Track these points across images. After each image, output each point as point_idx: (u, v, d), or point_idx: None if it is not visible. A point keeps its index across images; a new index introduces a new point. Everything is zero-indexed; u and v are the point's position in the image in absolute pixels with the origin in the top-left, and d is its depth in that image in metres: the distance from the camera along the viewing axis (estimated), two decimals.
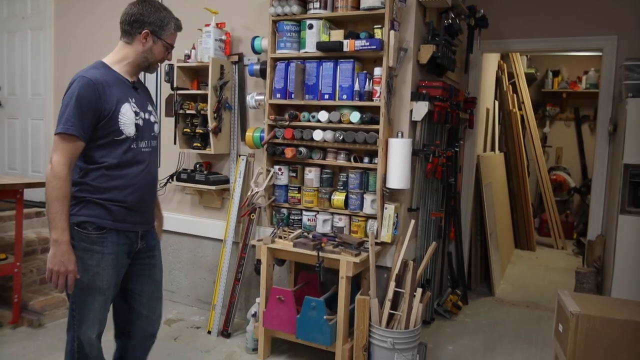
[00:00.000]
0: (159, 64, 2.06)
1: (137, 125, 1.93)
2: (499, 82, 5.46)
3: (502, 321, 3.67)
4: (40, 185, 3.22)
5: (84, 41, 4.11)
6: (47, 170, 1.81)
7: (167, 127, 3.58)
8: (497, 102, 5.43)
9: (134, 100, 1.95)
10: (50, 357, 2.85)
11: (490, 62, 4.87)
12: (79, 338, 1.93)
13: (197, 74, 3.43)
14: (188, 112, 3.32)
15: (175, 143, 3.38)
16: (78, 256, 1.84)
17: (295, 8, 2.93)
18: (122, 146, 1.90)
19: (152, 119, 2.05)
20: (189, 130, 3.36)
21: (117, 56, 1.98)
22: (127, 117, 1.90)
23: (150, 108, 2.06)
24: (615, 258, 3.10)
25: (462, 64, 3.75)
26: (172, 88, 3.34)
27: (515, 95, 5.94)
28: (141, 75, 2.18)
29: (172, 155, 3.57)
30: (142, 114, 1.97)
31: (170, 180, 3.53)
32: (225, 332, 3.21)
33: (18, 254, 3.14)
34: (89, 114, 1.81)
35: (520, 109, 6.02)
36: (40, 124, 4.41)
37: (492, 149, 5.26)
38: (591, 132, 6.75)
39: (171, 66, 3.37)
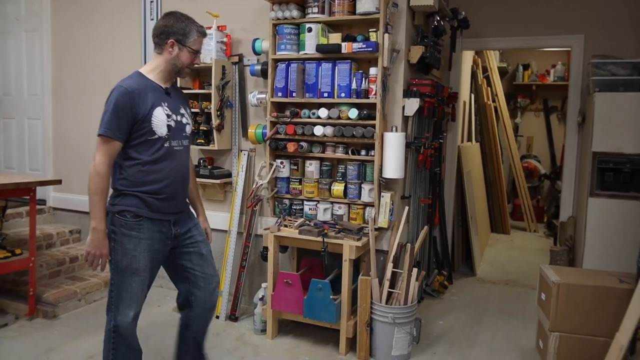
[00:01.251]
0: (189, 69, 2.26)
1: (169, 126, 2.17)
2: (474, 76, 5.79)
3: (484, 297, 4.01)
4: (53, 182, 3.39)
5: (81, 42, 4.23)
6: (90, 167, 2.05)
7: None
8: (472, 95, 5.76)
9: (166, 104, 2.18)
10: (71, 344, 3.03)
11: (467, 58, 5.18)
12: (116, 317, 2.16)
13: (199, 74, 3.61)
14: (192, 110, 3.50)
15: (191, 142, 3.56)
16: (118, 241, 2.11)
17: (295, 12, 3.15)
18: (155, 145, 2.14)
19: (184, 120, 2.29)
20: (193, 127, 3.53)
21: (151, 66, 2.23)
22: (160, 119, 2.14)
23: (182, 111, 2.29)
24: (586, 236, 3.46)
25: (446, 62, 4.04)
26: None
27: (489, 88, 6.29)
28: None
29: None
30: (174, 116, 2.21)
31: None
32: (233, 316, 3.43)
33: (32, 249, 3.29)
34: (124, 118, 2.06)
35: (494, 101, 6.38)
36: (38, 123, 4.50)
37: (470, 140, 5.59)
38: (559, 122, 7.19)
39: None
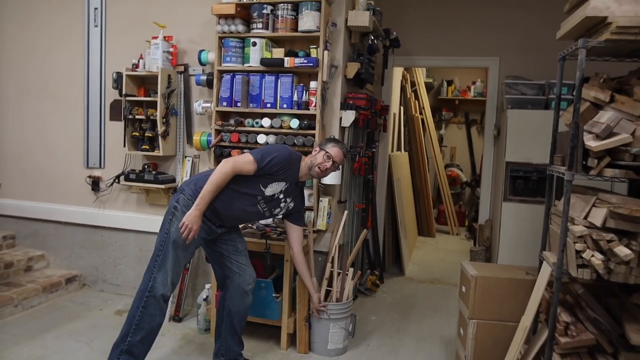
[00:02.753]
0: (320, 174, 2.75)
1: (274, 195, 2.65)
2: (403, 90, 6.20)
3: (412, 295, 4.35)
4: None
5: (21, 47, 4.16)
6: (227, 165, 2.49)
7: (114, 130, 3.80)
8: (402, 108, 6.17)
9: (287, 187, 2.68)
10: (10, 350, 2.99)
11: (397, 74, 5.57)
12: (155, 279, 2.50)
13: (144, 81, 3.69)
14: (137, 117, 3.58)
15: (124, 146, 3.62)
16: (177, 216, 2.52)
17: (240, 27, 3.34)
18: (254, 191, 2.62)
19: (282, 204, 2.73)
20: (137, 133, 3.62)
21: (306, 160, 2.74)
22: (274, 188, 2.64)
23: (289, 201, 2.75)
24: (500, 236, 3.89)
25: (378, 77, 4.36)
26: (121, 95, 3.58)
27: (416, 102, 6.75)
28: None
29: (118, 157, 3.79)
30: (281, 195, 2.69)
31: (116, 180, 3.75)
32: (176, 317, 3.52)
33: None
34: (272, 168, 2.56)
35: (421, 113, 6.84)
36: None
37: (399, 149, 5.98)
38: (478, 134, 7.81)
39: (119, 74, 3.61)
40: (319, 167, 2.69)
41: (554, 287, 2.21)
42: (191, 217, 2.43)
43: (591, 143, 2.09)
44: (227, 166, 2.48)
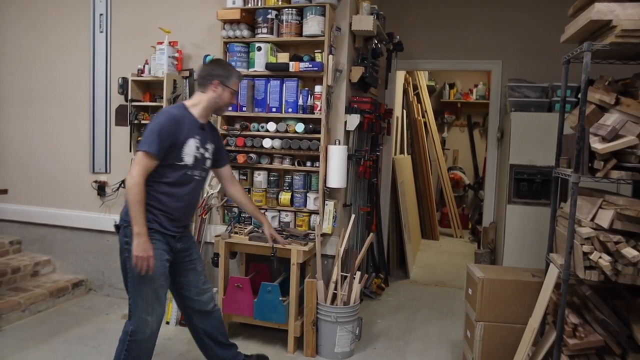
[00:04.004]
0: (226, 108, 2.57)
1: (195, 157, 2.41)
2: (405, 93, 6.22)
3: (418, 298, 4.36)
4: None
5: (26, 52, 4.20)
6: (128, 179, 2.24)
7: (120, 135, 3.82)
8: (404, 111, 6.19)
9: (198, 137, 2.43)
10: (18, 355, 3.01)
11: (399, 77, 5.59)
12: (135, 322, 2.33)
13: (149, 86, 3.72)
14: (143, 122, 3.60)
15: (130, 150, 3.64)
16: (131, 250, 2.23)
17: (245, 32, 3.36)
18: (180, 170, 2.38)
19: (207, 155, 2.52)
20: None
21: (193, 102, 2.49)
22: (190, 149, 2.38)
23: (208, 146, 2.52)
24: (505, 239, 3.90)
25: (382, 81, 4.39)
26: (127, 100, 3.60)
27: (419, 105, 6.77)
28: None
29: (124, 161, 3.81)
30: (201, 150, 2.45)
31: (122, 185, 3.77)
32: (183, 322, 3.53)
33: None
34: (166, 140, 2.28)
35: (423, 116, 6.87)
36: None
37: (402, 152, 6.00)
38: (481, 136, 7.83)
39: (125, 79, 3.64)
40: (227, 107, 2.56)
41: (561, 288, 2.22)
42: (140, 247, 2.21)
43: (597, 145, 2.11)
44: (132, 179, 2.23)
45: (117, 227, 2.36)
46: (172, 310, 3.54)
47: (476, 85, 7.53)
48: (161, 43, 3.55)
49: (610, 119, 2.15)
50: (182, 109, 2.42)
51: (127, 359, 2.36)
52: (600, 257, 2.03)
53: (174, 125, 2.31)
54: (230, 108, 2.94)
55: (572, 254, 2.17)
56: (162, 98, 3.53)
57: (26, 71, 4.20)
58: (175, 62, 3.62)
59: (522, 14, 4.46)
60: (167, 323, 3.53)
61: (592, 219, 2.15)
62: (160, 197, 2.35)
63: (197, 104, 2.46)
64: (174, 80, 3.57)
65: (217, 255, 3.31)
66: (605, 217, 2.09)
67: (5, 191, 3.39)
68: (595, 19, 2.08)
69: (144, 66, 3.63)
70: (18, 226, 4.19)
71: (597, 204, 2.19)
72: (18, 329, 3.35)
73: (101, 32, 3.88)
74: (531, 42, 4.41)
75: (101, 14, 3.89)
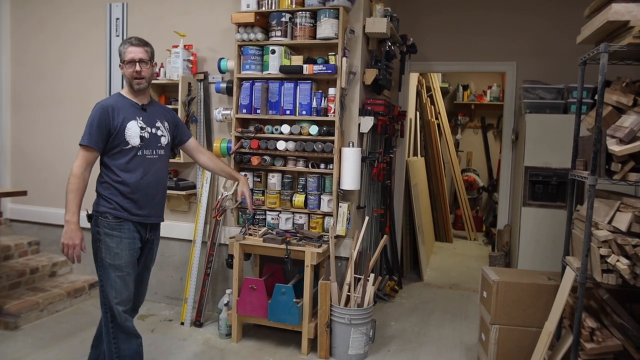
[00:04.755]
0: (138, 80, 2.44)
1: (142, 137, 2.43)
2: (419, 95, 6.21)
3: (431, 300, 4.34)
4: (17, 194, 3.42)
5: (43, 56, 4.27)
6: (71, 171, 2.33)
7: None
8: (418, 113, 6.18)
9: (141, 118, 2.45)
10: (37, 354, 3.06)
11: (412, 79, 5.59)
12: (110, 308, 2.39)
13: (165, 89, 3.76)
14: None
15: (169, 153, 3.67)
16: (102, 240, 2.37)
17: (259, 35, 3.38)
18: (129, 153, 2.41)
19: (159, 133, 2.54)
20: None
21: (125, 88, 2.53)
22: (133, 131, 2.40)
23: (159, 124, 2.54)
24: (520, 242, 3.87)
25: (396, 83, 4.38)
26: None
27: (432, 107, 6.75)
28: None
29: None
30: (148, 129, 2.47)
31: None
32: (197, 322, 3.56)
33: None
34: (100, 129, 2.35)
35: (436, 118, 6.84)
36: None
37: (415, 154, 5.98)
38: (495, 138, 7.78)
39: None
40: (134, 79, 2.42)
41: (578, 292, 2.20)
42: (67, 235, 2.29)
43: (615, 147, 2.09)
44: (71, 171, 2.31)
45: (89, 216, 2.42)
46: (186, 311, 3.57)
47: (490, 87, 7.48)
48: (176, 46, 3.59)
49: (628, 121, 2.13)
50: (116, 96, 2.48)
51: (119, 346, 2.41)
52: (618, 261, 2.01)
53: (103, 114, 2.35)
54: (148, 79, 2.53)
55: (589, 257, 2.15)
56: (177, 101, 3.56)
57: (43, 75, 4.27)
58: (190, 65, 3.65)
59: (537, 15, 4.43)
60: (182, 324, 3.56)
61: (610, 222, 2.13)
62: (119, 186, 2.39)
63: (125, 89, 2.51)
64: (189, 83, 3.60)
65: (231, 256, 3.34)
66: (623, 220, 2.07)
67: (24, 193, 3.45)
68: (612, 19, 2.07)
69: (159, 69, 3.66)
70: (37, 227, 4.26)
71: (615, 206, 2.16)
72: (37, 328, 3.40)
73: (117, 36, 3.94)
74: (546, 44, 4.38)
75: (117, 18, 3.94)
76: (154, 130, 2.49)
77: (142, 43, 2.47)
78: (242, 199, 2.94)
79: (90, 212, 2.42)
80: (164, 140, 2.55)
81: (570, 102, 3.86)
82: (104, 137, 2.35)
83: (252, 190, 3.52)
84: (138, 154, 2.42)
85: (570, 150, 2.60)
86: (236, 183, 3.45)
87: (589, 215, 2.14)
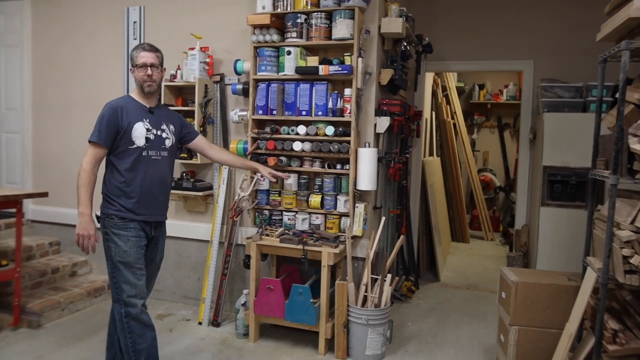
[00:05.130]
0: (149, 82, 2.55)
1: (147, 138, 2.53)
2: (434, 95, 6.17)
3: (449, 301, 4.31)
4: (39, 195, 3.48)
5: (63, 59, 4.34)
6: (81, 167, 2.43)
7: None
8: (433, 113, 6.14)
9: (147, 120, 2.56)
10: (59, 352, 3.11)
11: (428, 78, 5.55)
12: (125, 303, 2.47)
13: (181, 91, 3.79)
14: None
15: (174, 155, 3.71)
16: (111, 239, 2.48)
17: (275, 37, 3.40)
18: (134, 153, 2.51)
19: (164, 135, 2.63)
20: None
21: (135, 91, 2.63)
22: (139, 132, 2.51)
23: (164, 127, 2.64)
24: (539, 242, 3.82)
25: (411, 83, 4.37)
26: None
27: (448, 106, 6.71)
28: None
29: None
30: (154, 131, 2.58)
31: None
32: (215, 322, 3.59)
33: (18, 260, 3.36)
34: (108, 128, 2.45)
35: (452, 118, 6.80)
36: (16, 137, 4.55)
37: (431, 154, 5.95)
38: (511, 137, 7.70)
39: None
40: (145, 82, 2.53)
41: (599, 293, 2.17)
42: (82, 226, 2.40)
43: (637, 146, 2.06)
44: (80, 167, 2.42)
45: (97, 218, 2.50)
46: (204, 311, 3.60)
47: (506, 86, 7.41)
48: (193, 49, 3.62)
49: None
50: (125, 98, 2.59)
51: (135, 339, 2.48)
52: None
53: (113, 114, 2.45)
54: (154, 84, 2.60)
55: (611, 257, 2.12)
56: (194, 102, 3.59)
57: (65, 78, 4.34)
58: (207, 67, 3.68)
59: (555, 12, 4.37)
60: (200, 324, 3.59)
61: (632, 222, 2.10)
62: (123, 187, 2.48)
63: (135, 91, 2.61)
64: (206, 85, 3.63)
65: (248, 257, 3.35)
66: None
67: (45, 194, 3.51)
68: (634, 16, 2.04)
69: (176, 72, 3.70)
70: (57, 228, 4.33)
71: (637, 206, 2.13)
72: (58, 327, 3.46)
73: (134, 39, 3.98)
74: (564, 42, 4.33)
75: (135, 22, 3.99)
76: (159, 133, 2.60)
77: (154, 49, 2.60)
78: (275, 180, 3.14)
79: (98, 214, 2.53)
80: (168, 143, 2.65)
81: (589, 100, 3.81)
82: (112, 135, 2.46)
83: (268, 190, 3.54)
84: (143, 154, 2.52)
85: (589, 149, 2.57)
86: (251, 185, 3.48)
87: (610, 215, 2.11)
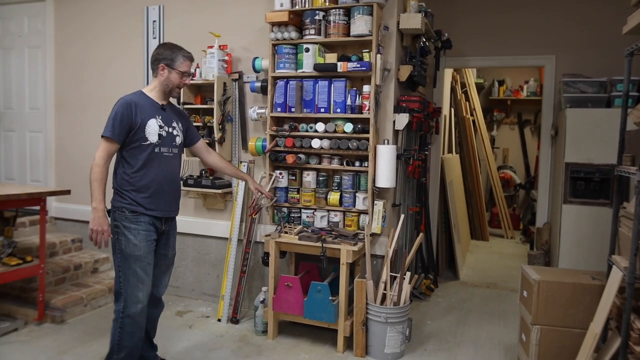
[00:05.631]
0: (179, 88, 2.66)
1: (160, 135, 2.57)
2: (453, 91, 6.11)
3: (468, 300, 4.27)
4: (62, 193, 3.54)
5: (84, 59, 4.40)
6: (93, 161, 2.45)
7: None
8: (452, 109, 6.08)
9: (160, 117, 2.59)
10: (81, 347, 3.16)
11: (447, 75, 5.50)
12: (126, 300, 2.51)
13: (200, 89, 3.81)
14: (195, 124, 3.69)
15: (182, 152, 3.74)
16: (121, 233, 2.51)
17: (293, 34, 3.39)
18: (147, 150, 2.53)
19: (175, 132, 2.68)
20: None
21: (150, 87, 2.66)
22: (152, 129, 2.54)
23: (175, 124, 2.68)
24: (561, 240, 3.76)
25: (430, 79, 4.33)
26: (179, 103, 3.70)
27: (467, 103, 6.63)
28: None
29: None
30: (166, 128, 2.61)
31: None
32: (234, 319, 3.61)
33: (42, 257, 3.42)
34: (122, 124, 2.47)
35: (471, 114, 6.72)
36: (39, 135, 4.63)
37: (450, 151, 5.89)
38: (532, 134, 7.59)
39: None
40: (178, 87, 2.63)
41: (626, 292, 2.12)
42: (95, 221, 2.42)
43: None
44: (93, 161, 2.43)
45: (108, 212, 2.52)
46: (223, 308, 3.62)
47: (527, 82, 7.30)
48: (211, 47, 3.63)
49: None
50: (138, 94, 2.58)
51: (123, 335, 2.53)
52: None
53: (127, 109, 2.46)
54: (184, 85, 2.69)
55: (638, 255, 2.07)
56: (212, 100, 3.61)
57: (84, 77, 4.41)
58: (225, 65, 3.69)
59: (577, 6, 4.28)
60: (219, 320, 3.61)
61: None
62: (135, 181, 2.51)
63: (152, 88, 2.62)
64: (224, 83, 3.65)
65: (267, 254, 3.36)
66: None
67: (67, 192, 3.57)
68: None
69: (195, 70, 3.72)
70: (79, 225, 4.40)
71: None
72: (81, 322, 3.52)
73: (154, 38, 4.02)
74: (587, 36, 4.24)
75: (154, 21, 4.03)
76: (170, 130, 2.63)
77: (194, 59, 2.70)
78: (259, 196, 3.11)
79: (109, 207, 2.56)
80: (179, 140, 2.70)
81: (613, 95, 3.73)
82: (125, 131, 2.47)
83: (287, 188, 3.54)
84: (155, 150, 2.55)
85: (613, 146, 2.51)
86: (270, 182, 3.48)
87: (637, 212, 2.06)
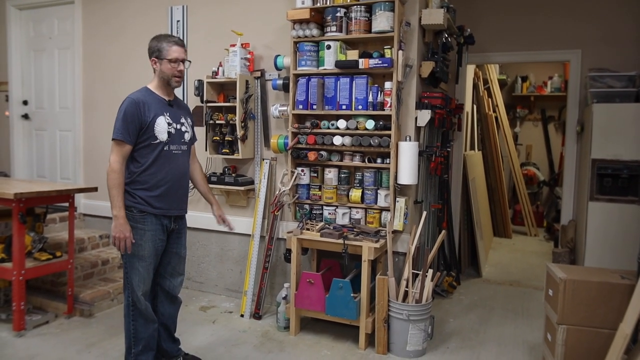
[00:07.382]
0: (177, 78, 2.56)
1: (169, 132, 2.55)
2: (475, 87, 6.05)
3: (491, 297, 4.23)
4: (89, 190, 3.62)
5: (114, 62, 4.49)
6: (108, 167, 2.44)
7: (197, 135, 3.99)
8: (474, 106, 6.02)
9: (168, 114, 2.57)
10: (109, 340, 3.23)
11: (469, 71, 5.44)
12: (133, 293, 2.55)
13: (223, 87, 3.85)
14: (217, 122, 3.74)
15: (206, 150, 3.79)
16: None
17: (315, 31, 3.40)
18: (157, 148, 2.51)
19: (184, 129, 2.66)
20: (218, 138, 3.78)
21: (152, 83, 2.62)
22: (161, 126, 2.51)
23: (183, 120, 2.66)
24: (587, 238, 3.69)
25: (453, 76, 4.29)
26: (202, 101, 3.76)
27: (490, 99, 6.56)
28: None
29: (200, 160, 3.93)
30: (174, 125, 2.59)
31: None
32: (256, 315, 3.64)
33: (71, 252, 3.51)
34: (133, 124, 2.43)
35: (494, 111, 6.64)
36: (69, 134, 4.75)
37: (472, 148, 5.84)
38: (556, 131, 7.46)
39: (200, 82, 3.80)
40: (174, 77, 2.54)
41: None
42: (117, 229, 2.42)
43: None
44: (109, 167, 2.42)
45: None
46: (245, 303, 3.66)
47: (551, 78, 7.18)
48: (234, 45, 3.67)
49: None
50: (143, 91, 2.54)
51: (137, 327, 2.57)
52: None
53: (135, 108, 2.43)
54: (178, 77, 2.60)
55: None
56: (235, 98, 3.65)
57: (113, 77, 4.49)
58: (247, 63, 3.72)
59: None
60: (242, 316, 3.65)
61: None
62: (145, 180, 2.49)
63: (155, 85, 2.59)
64: (247, 81, 3.68)
65: (289, 251, 3.38)
66: None
67: (95, 189, 3.65)
68: None
69: (218, 68, 3.76)
70: (107, 221, 4.48)
71: None
72: (108, 316, 3.60)
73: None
74: (614, 29, 4.15)
75: (178, 21, 4.08)
76: (178, 126, 2.61)
77: (183, 43, 2.60)
78: (222, 222, 2.95)
79: None
80: (187, 136, 2.68)
81: None
82: (136, 131, 2.45)
83: (309, 185, 3.56)
84: (165, 148, 2.53)
85: None
86: (292, 179, 3.50)
87: None
